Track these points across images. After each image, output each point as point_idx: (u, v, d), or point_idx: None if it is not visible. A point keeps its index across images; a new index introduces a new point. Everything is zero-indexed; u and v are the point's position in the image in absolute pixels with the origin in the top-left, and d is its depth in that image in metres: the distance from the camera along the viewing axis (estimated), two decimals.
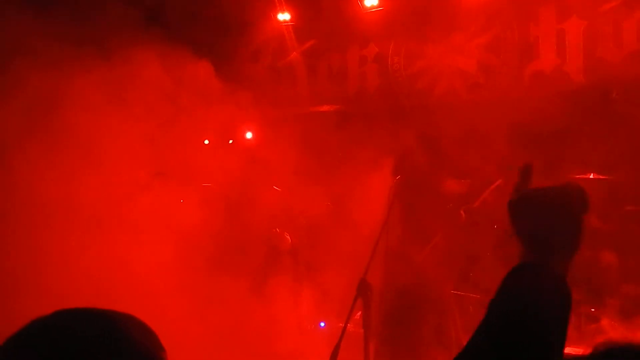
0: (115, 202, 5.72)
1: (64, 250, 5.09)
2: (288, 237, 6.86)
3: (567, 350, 5.11)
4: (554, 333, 1.57)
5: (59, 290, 4.46)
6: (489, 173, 7.14)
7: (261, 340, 5.39)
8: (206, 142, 7.12)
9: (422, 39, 7.72)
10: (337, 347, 4.16)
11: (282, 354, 5.35)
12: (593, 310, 6.24)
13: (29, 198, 5.24)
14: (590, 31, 6.67)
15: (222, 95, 6.57)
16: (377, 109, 8.07)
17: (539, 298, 1.55)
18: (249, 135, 8.24)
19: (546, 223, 1.72)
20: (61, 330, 1.25)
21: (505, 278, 1.61)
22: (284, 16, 8.50)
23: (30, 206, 5.26)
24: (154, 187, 5.81)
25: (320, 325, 6.39)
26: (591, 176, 6.42)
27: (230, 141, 7.82)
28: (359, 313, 4.69)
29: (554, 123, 6.51)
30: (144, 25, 6.20)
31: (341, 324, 4.51)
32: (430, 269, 5.07)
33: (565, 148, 6.71)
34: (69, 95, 5.51)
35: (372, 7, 7.95)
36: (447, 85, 7.57)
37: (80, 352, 1.22)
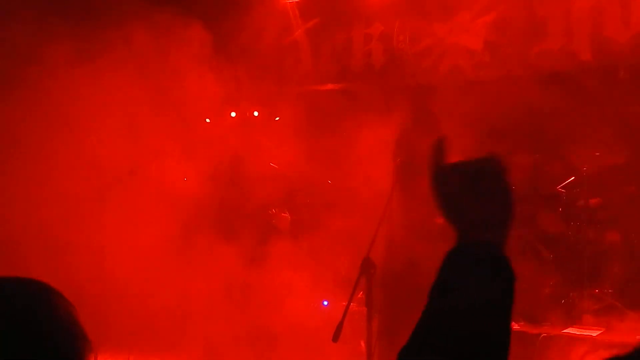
0: (118, 178, 5.72)
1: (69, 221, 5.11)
2: (287, 215, 6.83)
3: (573, 331, 5.05)
4: (498, 319, 1.50)
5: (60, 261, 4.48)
6: (493, 152, 7.09)
7: (263, 320, 5.40)
8: (207, 120, 7.09)
9: (428, 17, 7.65)
10: (340, 325, 4.16)
11: (285, 333, 5.36)
12: (597, 291, 6.24)
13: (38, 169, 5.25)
14: (597, 10, 6.58)
15: (225, 72, 6.54)
16: (381, 87, 8.01)
17: (483, 281, 1.48)
18: (254, 112, 8.21)
19: (476, 198, 1.61)
20: None
21: (446, 260, 1.54)
22: None
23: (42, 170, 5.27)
24: (155, 164, 5.81)
25: (323, 304, 6.40)
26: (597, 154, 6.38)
27: (233, 114, 7.77)
28: (362, 292, 4.69)
29: (559, 102, 6.47)
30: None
31: (344, 303, 4.50)
32: (433, 246, 5.04)
33: (570, 127, 6.66)
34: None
35: None
36: (452, 64, 7.50)
37: None
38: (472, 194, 1.57)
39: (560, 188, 6.68)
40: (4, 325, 1.26)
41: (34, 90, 5.60)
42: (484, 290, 1.42)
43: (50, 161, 5.57)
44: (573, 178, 6.63)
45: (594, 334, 5.65)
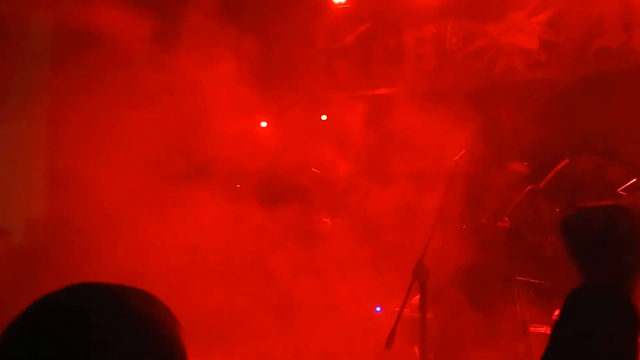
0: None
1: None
2: (328, 220, 6.77)
3: None
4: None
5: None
6: (551, 154, 6.92)
7: (313, 328, 5.35)
8: (264, 124, 7.11)
9: (481, 17, 7.51)
10: (392, 332, 4.09)
11: (337, 340, 5.30)
12: None
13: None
14: None
15: (274, 79, 6.55)
16: (435, 90, 7.90)
17: (608, 326, 1.46)
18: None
19: (612, 241, 1.60)
20: (72, 306, 1.20)
21: (569, 301, 1.51)
22: None
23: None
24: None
25: (376, 310, 6.31)
26: None
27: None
28: (417, 297, 4.61)
29: (619, 102, 6.26)
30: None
31: (397, 309, 4.43)
32: (492, 252, 4.93)
33: (631, 128, 6.43)
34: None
35: None
36: (507, 65, 7.34)
37: (91, 328, 1.16)
38: (607, 237, 1.59)
39: (620, 191, 6.45)
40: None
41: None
42: (610, 338, 1.42)
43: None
44: (635, 180, 6.39)
45: None
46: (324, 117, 7.36)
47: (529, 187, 6.62)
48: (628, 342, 1.43)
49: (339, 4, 8.37)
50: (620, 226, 1.60)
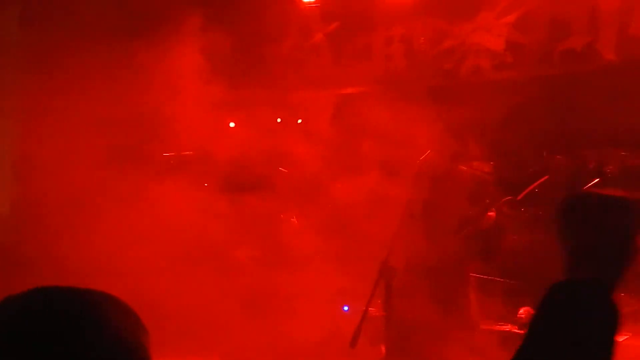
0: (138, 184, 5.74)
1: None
2: (295, 220, 6.78)
3: None
4: (600, 356, 1.48)
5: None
6: (518, 153, 7.00)
7: (279, 326, 5.35)
8: (232, 124, 7.08)
9: (449, 18, 7.57)
10: (357, 331, 4.10)
11: (302, 339, 5.30)
12: (623, 295, 6.08)
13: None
14: (623, 7, 6.45)
15: (244, 77, 6.53)
16: (403, 90, 7.94)
17: (587, 322, 1.46)
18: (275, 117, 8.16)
19: (603, 236, 1.59)
20: (34, 309, 1.17)
21: (550, 294, 1.51)
22: None
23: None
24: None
25: (344, 309, 6.32)
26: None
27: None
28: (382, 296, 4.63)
29: (583, 102, 6.35)
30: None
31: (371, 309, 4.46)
32: (452, 251, 4.97)
33: (595, 128, 6.54)
34: None
35: None
36: (474, 65, 7.40)
37: (54, 333, 1.14)
38: (596, 230, 1.57)
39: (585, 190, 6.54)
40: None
41: None
42: (588, 331, 1.43)
43: None
44: (598, 180, 6.50)
45: (620, 339, 5.50)
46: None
47: (506, 198, 6.69)
48: (605, 338, 1.44)
49: (308, 3, 8.37)
50: (616, 216, 1.58)
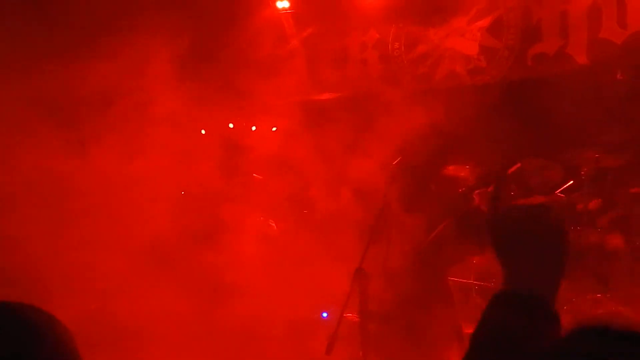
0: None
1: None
2: (273, 224, 6.76)
3: None
4: None
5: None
6: (492, 158, 7.04)
7: (257, 333, 5.32)
8: (203, 131, 7.05)
9: (423, 23, 7.61)
10: (332, 338, 4.09)
11: (279, 347, 5.27)
12: (599, 296, 6.13)
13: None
14: (593, 11, 6.53)
15: (219, 83, 6.50)
16: (378, 95, 7.96)
17: (524, 337, 1.47)
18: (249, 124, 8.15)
19: (529, 246, 1.59)
20: None
21: (488, 308, 1.52)
22: (282, 4, 8.40)
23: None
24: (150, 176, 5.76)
25: (323, 316, 6.30)
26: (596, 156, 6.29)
27: (231, 125, 7.70)
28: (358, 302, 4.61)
29: (556, 106, 6.40)
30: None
31: (346, 314, 4.45)
32: (430, 255, 4.97)
33: (568, 131, 6.59)
34: None
35: None
36: (448, 70, 7.44)
37: None
38: (528, 240, 1.57)
39: (559, 193, 6.59)
40: None
41: None
42: (525, 341, 1.42)
43: None
44: (572, 182, 6.55)
45: None
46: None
47: (479, 190, 6.72)
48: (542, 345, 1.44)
49: (283, 9, 8.38)
50: (542, 226, 1.59)
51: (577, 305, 6.17)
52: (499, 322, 1.50)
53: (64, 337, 1.25)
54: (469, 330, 5.30)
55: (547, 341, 1.48)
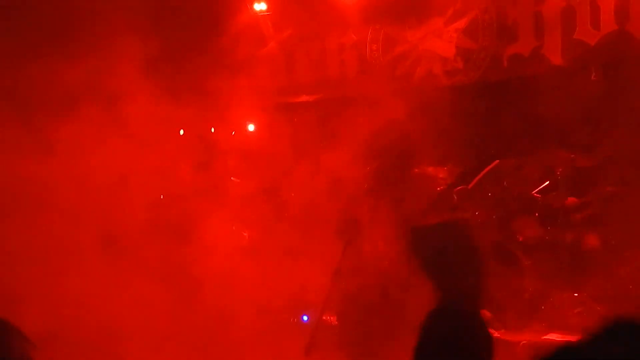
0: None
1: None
2: (245, 234, 6.75)
3: (554, 337, 5.04)
4: None
5: None
6: (468, 157, 7.09)
7: (239, 338, 5.31)
8: (181, 132, 7.02)
9: (400, 24, 7.64)
10: (311, 340, 4.10)
11: (262, 351, 5.27)
12: (576, 295, 6.18)
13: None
14: (567, 12, 6.59)
15: (197, 86, 6.49)
16: (356, 96, 7.98)
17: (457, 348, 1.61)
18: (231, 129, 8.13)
19: (446, 258, 1.75)
20: None
21: (423, 324, 1.68)
22: (260, 6, 8.38)
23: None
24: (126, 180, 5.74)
25: (303, 320, 6.29)
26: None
27: (212, 129, 7.68)
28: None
29: (532, 106, 6.46)
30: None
31: (325, 317, 4.46)
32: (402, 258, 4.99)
33: (544, 131, 6.65)
34: None
35: None
36: (425, 71, 7.48)
37: None
38: (445, 253, 1.70)
39: (535, 193, 6.65)
40: None
41: None
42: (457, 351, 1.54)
43: None
44: (548, 182, 6.61)
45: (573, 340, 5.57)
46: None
47: (458, 188, 6.77)
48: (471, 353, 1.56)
49: (261, 11, 8.37)
50: (455, 241, 1.73)
51: (554, 304, 6.22)
52: (431, 338, 1.66)
53: (17, 343, 1.25)
54: None
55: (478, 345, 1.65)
